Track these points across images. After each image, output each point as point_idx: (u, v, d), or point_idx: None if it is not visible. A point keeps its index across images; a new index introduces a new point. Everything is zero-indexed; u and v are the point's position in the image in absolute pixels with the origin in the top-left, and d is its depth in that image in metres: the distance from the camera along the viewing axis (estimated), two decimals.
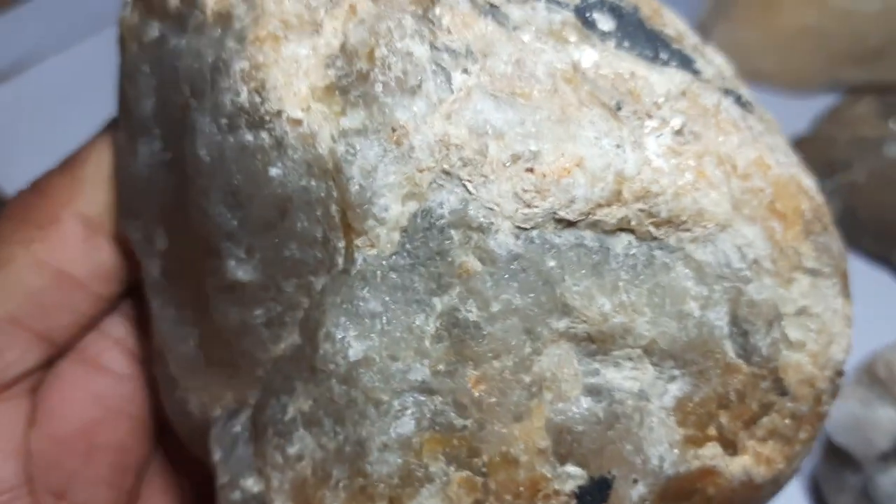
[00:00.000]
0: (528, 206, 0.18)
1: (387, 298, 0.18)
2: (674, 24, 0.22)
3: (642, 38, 0.21)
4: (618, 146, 0.19)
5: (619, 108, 0.19)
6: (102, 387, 0.23)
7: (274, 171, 0.18)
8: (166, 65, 0.21)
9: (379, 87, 0.18)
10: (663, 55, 0.21)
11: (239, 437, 0.20)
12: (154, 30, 0.21)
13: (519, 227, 0.18)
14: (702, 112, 0.20)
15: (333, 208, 0.18)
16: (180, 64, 0.20)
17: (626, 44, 0.21)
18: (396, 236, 0.18)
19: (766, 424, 0.19)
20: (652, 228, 0.19)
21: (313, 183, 0.18)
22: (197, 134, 0.20)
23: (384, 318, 0.18)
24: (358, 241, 0.18)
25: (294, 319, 0.19)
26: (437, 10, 0.19)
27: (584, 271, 0.18)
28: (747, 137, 0.20)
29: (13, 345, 0.22)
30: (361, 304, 0.18)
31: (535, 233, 0.18)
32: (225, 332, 0.20)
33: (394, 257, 0.18)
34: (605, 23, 0.21)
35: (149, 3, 0.21)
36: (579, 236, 0.18)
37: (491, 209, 0.18)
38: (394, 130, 0.18)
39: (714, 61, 0.22)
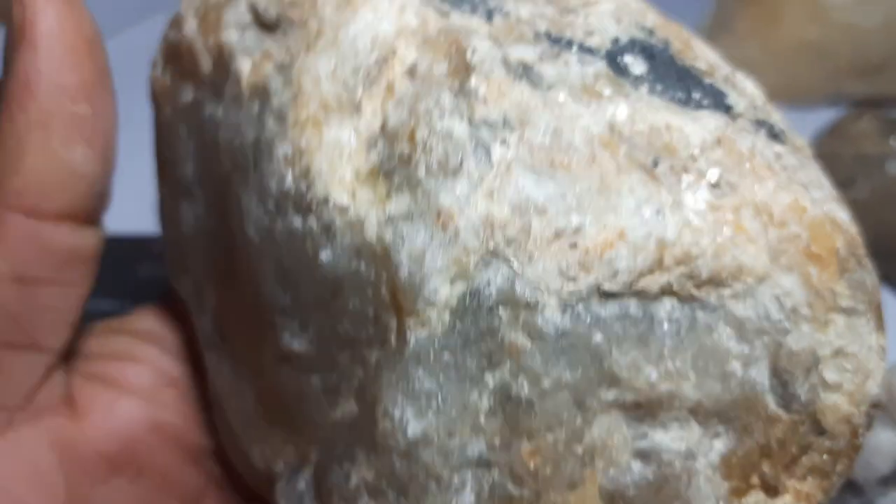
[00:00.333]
0: (573, 280, 0.18)
1: (441, 377, 0.18)
2: (704, 56, 0.23)
3: (674, 77, 0.21)
4: (658, 212, 0.19)
5: (656, 165, 0.20)
6: (141, 411, 0.23)
7: (324, 256, 0.19)
8: (206, 132, 0.21)
9: (422, 171, 0.19)
10: (696, 94, 0.21)
11: (304, 495, 0.20)
12: (189, 93, 0.23)
13: (565, 303, 0.18)
14: (737, 159, 0.20)
15: (384, 290, 0.18)
16: (220, 136, 0.21)
17: (658, 87, 0.21)
18: (447, 316, 0.18)
19: (805, 463, 0.20)
20: (693, 290, 0.19)
21: (363, 267, 0.19)
22: (244, 213, 0.20)
23: (439, 396, 0.18)
24: (409, 321, 0.18)
25: (350, 387, 0.19)
26: (474, 81, 0.20)
27: (629, 342, 0.19)
28: (782, 180, 0.20)
29: (8, 366, 0.21)
30: (416, 383, 0.18)
31: (580, 307, 0.18)
32: (282, 395, 0.21)
33: (445, 337, 0.18)
34: (637, 66, 0.21)
35: (181, 64, 0.23)
36: (623, 307, 0.19)
37: (537, 286, 0.18)
38: (439, 215, 0.18)
39: (746, 90, 0.22)
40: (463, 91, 0.20)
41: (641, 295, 0.19)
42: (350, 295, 0.19)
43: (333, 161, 0.19)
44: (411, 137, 0.19)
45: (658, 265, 0.19)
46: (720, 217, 0.19)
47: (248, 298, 0.21)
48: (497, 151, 0.19)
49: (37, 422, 0.22)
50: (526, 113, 0.20)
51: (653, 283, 0.19)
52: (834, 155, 0.51)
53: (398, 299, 0.18)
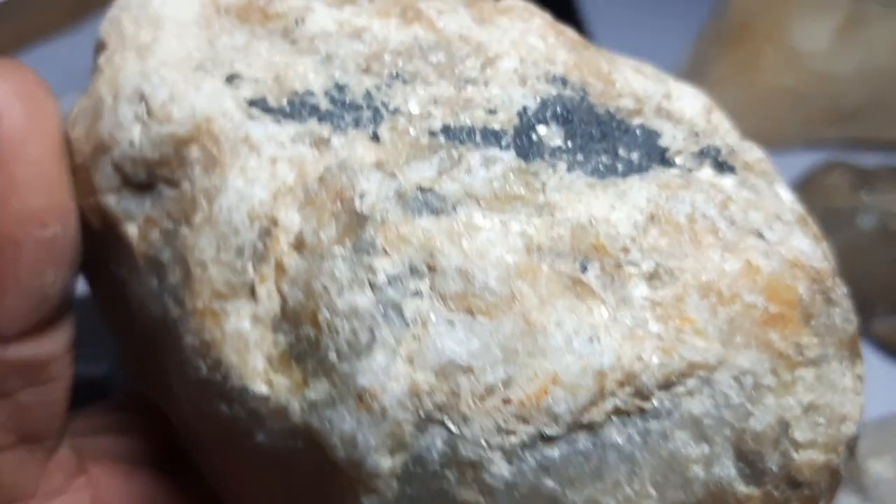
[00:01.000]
0: (513, 433, 0.18)
1: None
2: (630, 88, 0.21)
3: (597, 135, 0.20)
4: (590, 339, 0.18)
5: (584, 270, 0.19)
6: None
7: (259, 437, 0.18)
8: (115, 284, 0.21)
9: (333, 356, 0.18)
10: (622, 151, 0.20)
11: None
12: (91, 242, 0.21)
13: (509, 455, 0.18)
14: (675, 235, 0.19)
15: (327, 464, 0.18)
16: (130, 294, 0.20)
17: (579, 157, 0.20)
18: (394, 483, 0.18)
19: None
20: (642, 403, 0.18)
21: (301, 444, 0.18)
22: (174, 384, 0.20)
23: None
24: (359, 489, 0.18)
25: None
26: (368, 234, 0.19)
27: (582, 480, 0.18)
28: (730, 240, 0.19)
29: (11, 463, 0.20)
30: None
31: (526, 455, 0.18)
32: None
33: (397, 501, 0.18)
34: (553, 136, 0.20)
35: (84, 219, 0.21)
36: (571, 443, 0.18)
37: (478, 444, 0.18)
38: (361, 398, 0.18)
39: (684, 115, 0.21)
40: (358, 252, 0.19)
41: (587, 427, 0.18)
42: (295, 467, 0.18)
43: (241, 352, 0.18)
44: (314, 321, 0.18)
45: (600, 395, 0.18)
46: (662, 314, 0.19)
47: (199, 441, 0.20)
48: (410, 307, 0.18)
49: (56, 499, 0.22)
50: (433, 255, 0.18)
51: (597, 413, 0.18)
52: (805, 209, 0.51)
53: (343, 471, 0.18)
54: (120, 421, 0.25)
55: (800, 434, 0.18)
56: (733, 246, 0.19)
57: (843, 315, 0.19)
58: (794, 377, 0.18)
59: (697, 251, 0.19)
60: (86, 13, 0.63)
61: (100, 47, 0.22)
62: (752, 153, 0.21)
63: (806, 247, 0.20)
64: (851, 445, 0.19)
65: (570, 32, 0.23)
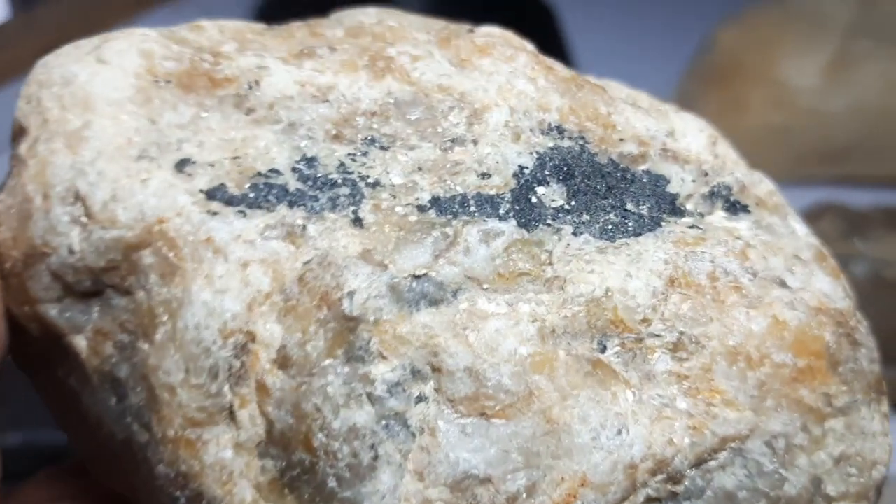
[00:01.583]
0: None
1: None
2: (632, 129, 0.20)
3: (602, 189, 0.19)
4: (619, 431, 0.17)
5: (604, 350, 0.18)
6: None
7: None
8: (67, 390, 0.19)
9: (333, 482, 0.16)
10: (630, 204, 0.19)
11: None
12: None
13: None
14: (697, 295, 0.18)
15: None
16: (84, 404, 0.19)
17: (585, 218, 0.19)
18: None
19: None
20: (674, 487, 0.17)
21: None
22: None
23: None
24: None
25: None
26: (361, 338, 0.17)
27: None
28: (754, 295, 0.18)
29: None
30: None
31: None
32: None
33: None
34: (553, 195, 0.19)
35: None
36: None
37: None
38: None
39: (690, 152, 0.20)
40: (352, 363, 0.17)
41: None
42: None
43: (225, 484, 0.17)
44: (307, 445, 0.17)
45: (632, 489, 0.17)
46: (690, 388, 0.17)
47: None
48: (415, 416, 0.16)
49: None
50: (436, 354, 0.17)
51: None
52: None
53: None
54: (74, 488, 0.23)
55: (832, 488, 0.18)
56: (758, 301, 0.18)
57: (868, 355, 0.19)
58: (824, 430, 0.18)
59: (722, 313, 0.18)
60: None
61: (18, 132, 0.19)
62: (763, 186, 0.20)
63: (828, 287, 0.19)
64: (880, 488, 0.19)
65: (558, 67, 0.21)
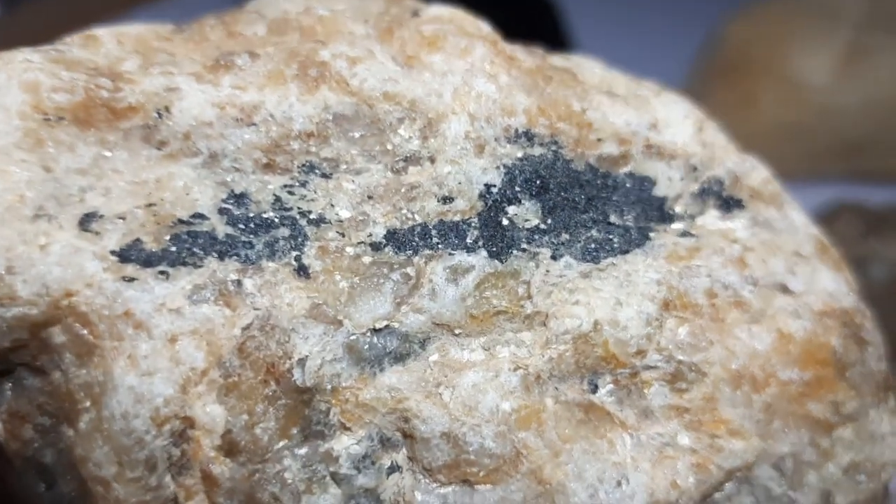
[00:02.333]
0: None
1: None
2: (609, 126, 0.18)
3: (581, 202, 0.17)
4: (618, 483, 0.15)
5: (595, 390, 0.16)
6: None
7: None
8: None
9: None
10: (614, 216, 0.17)
11: None
12: None
13: None
14: (695, 317, 0.17)
15: None
16: (15, 495, 0.17)
17: (564, 236, 0.17)
18: None
19: None
20: None
21: None
22: None
23: None
24: None
25: None
26: (318, 411, 0.15)
27: None
28: (756, 308, 0.17)
29: None
30: None
31: None
32: None
33: None
34: (527, 214, 0.17)
35: None
36: None
37: None
38: None
39: (676, 147, 0.18)
40: (310, 441, 0.15)
41: None
42: None
43: None
44: None
45: None
46: (692, 420, 0.16)
47: None
48: (388, 489, 0.15)
49: None
50: (407, 419, 0.15)
51: None
52: None
53: None
54: None
55: (842, 499, 0.17)
56: (760, 315, 0.17)
57: (876, 353, 0.18)
58: (832, 440, 0.17)
59: (723, 334, 0.17)
60: None
61: None
62: (756, 174, 0.19)
63: (831, 284, 0.18)
64: (888, 484, 0.18)
65: (521, 55, 0.18)
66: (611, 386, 0.16)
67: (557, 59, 0.19)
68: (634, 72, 0.23)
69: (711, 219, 0.18)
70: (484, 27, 0.19)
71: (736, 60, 0.57)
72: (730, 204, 0.18)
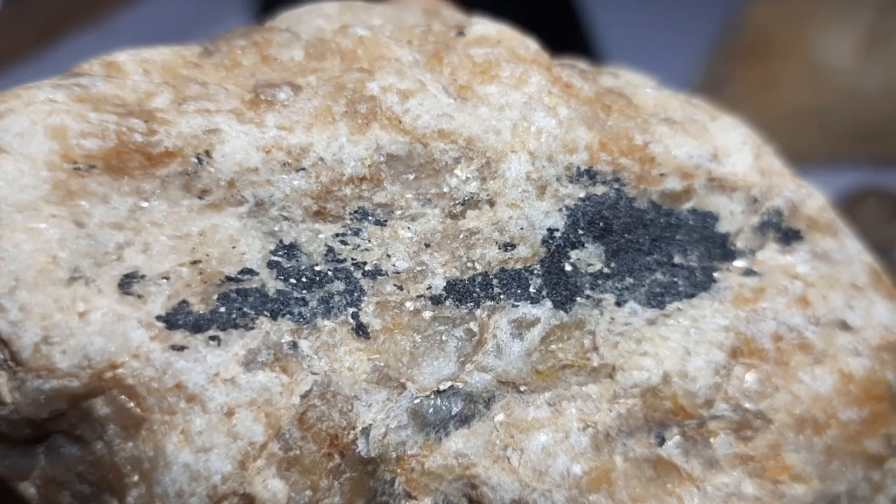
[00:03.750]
0: None
1: None
2: (672, 160, 0.17)
3: (645, 244, 0.16)
4: None
5: (662, 443, 0.15)
6: None
7: None
8: None
9: None
10: (678, 257, 0.16)
11: None
12: None
13: None
14: (762, 363, 0.16)
15: None
16: None
17: (628, 281, 0.16)
18: None
19: None
20: None
21: None
22: None
23: None
24: None
25: None
26: (383, 481, 0.14)
27: None
28: (819, 349, 0.16)
29: None
30: None
31: None
32: None
33: None
34: (590, 258, 0.16)
35: None
36: None
37: None
38: None
39: (736, 171, 0.17)
40: None
41: None
42: None
43: None
44: None
45: None
46: (756, 468, 0.15)
47: None
48: None
49: None
50: (474, 486, 0.14)
51: None
52: None
53: None
54: None
55: None
56: (823, 355, 0.16)
57: None
58: (883, 473, 0.16)
59: (788, 380, 0.16)
60: None
61: None
62: (812, 201, 0.18)
63: (886, 316, 0.17)
64: None
65: (577, 82, 0.17)
66: (678, 438, 0.15)
67: (608, 79, 0.18)
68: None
69: (772, 252, 0.17)
70: (532, 45, 0.18)
71: (757, 43, 0.56)
72: (789, 236, 0.18)
